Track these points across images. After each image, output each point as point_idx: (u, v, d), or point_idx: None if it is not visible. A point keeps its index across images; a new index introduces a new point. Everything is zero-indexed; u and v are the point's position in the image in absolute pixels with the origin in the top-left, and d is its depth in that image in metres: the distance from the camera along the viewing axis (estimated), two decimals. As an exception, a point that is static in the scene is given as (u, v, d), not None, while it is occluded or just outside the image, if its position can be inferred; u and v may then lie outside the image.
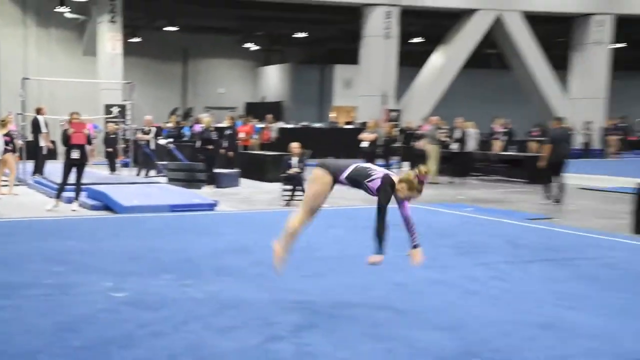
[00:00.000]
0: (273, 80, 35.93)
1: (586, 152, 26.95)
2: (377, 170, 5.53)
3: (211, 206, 11.75)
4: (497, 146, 22.41)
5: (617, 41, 30.12)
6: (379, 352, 4.44)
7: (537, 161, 17.64)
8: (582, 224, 10.65)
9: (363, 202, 13.54)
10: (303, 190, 12.89)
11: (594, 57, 28.69)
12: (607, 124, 28.57)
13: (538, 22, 28.10)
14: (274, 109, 30.15)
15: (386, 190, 5.39)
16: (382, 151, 17.83)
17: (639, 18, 29.29)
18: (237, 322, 5.07)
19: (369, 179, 5.48)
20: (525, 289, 6.19)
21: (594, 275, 6.77)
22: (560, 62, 29.55)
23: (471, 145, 18.84)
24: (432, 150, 17.92)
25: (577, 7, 28.24)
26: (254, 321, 5.09)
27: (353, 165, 5.62)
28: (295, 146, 13.34)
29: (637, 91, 36.06)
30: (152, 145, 17.40)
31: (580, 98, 28.87)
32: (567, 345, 4.58)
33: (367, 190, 5.54)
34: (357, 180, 5.56)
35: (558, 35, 30.68)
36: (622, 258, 7.64)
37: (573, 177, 17.74)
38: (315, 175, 5.72)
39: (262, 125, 24.19)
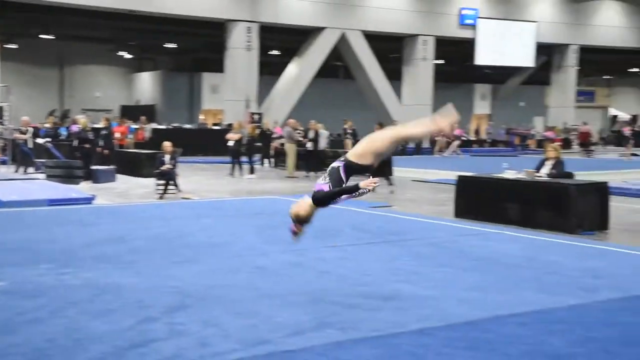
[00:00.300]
0: (146, 86, 34.85)
1: (418, 149, 28.08)
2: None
3: (89, 200, 11.17)
4: (346, 145, 22.93)
5: (438, 58, 31.75)
6: (244, 327, 4.37)
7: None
8: (415, 210, 11.07)
9: (229, 194, 13.41)
10: (175, 185, 12.57)
11: (421, 70, 30.03)
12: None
13: (376, 40, 29.01)
14: (147, 112, 29.26)
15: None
16: (245, 149, 17.72)
17: (451, 40, 30.88)
18: (113, 306, 4.82)
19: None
20: (369, 267, 6.31)
21: (424, 253, 7.02)
22: (394, 74, 30.71)
23: (322, 144, 19.10)
24: (289, 149, 18.03)
25: (405, 29, 29.38)
26: (129, 305, 4.87)
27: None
28: (167, 145, 12.97)
29: (453, 99, 37.96)
30: (30, 144, 16.38)
31: (411, 105, 30.08)
32: (405, 314, 4.70)
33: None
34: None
35: (392, 51, 31.85)
36: (445, 238, 7.97)
37: (408, 171, 18.49)
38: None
39: (137, 126, 23.39)
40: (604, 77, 47.61)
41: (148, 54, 34.80)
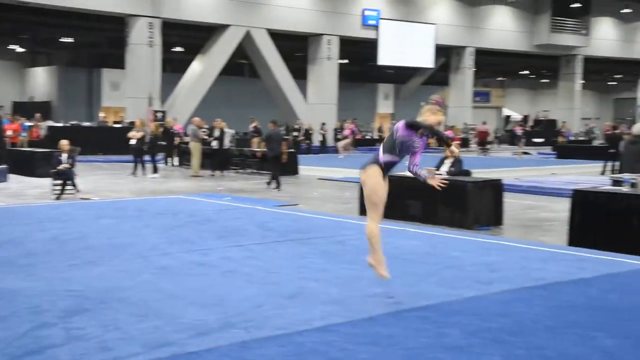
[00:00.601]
0: (41, 81, 33.29)
1: (323, 148, 28.40)
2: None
3: (-22, 202, 10.56)
4: (253, 144, 22.81)
5: (342, 58, 32.26)
6: (147, 330, 4.27)
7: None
8: (321, 208, 11.18)
9: (132, 194, 13.04)
10: (73, 185, 12.09)
11: (326, 70, 30.36)
12: (337, 125, 30.33)
13: (281, 38, 29.08)
14: (42, 108, 27.96)
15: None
16: (148, 148, 17.29)
17: (355, 40, 31.43)
18: (6, 312, 4.58)
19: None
20: (274, 265, 6.32)
21: (329, 251, 7.11)
22: (300, 73, 30.89)
23: (228, 142, 18.94)
24: (194, 148, 17.75)
25: (310, 28, 29.64)
26: (24, 310, 4.64)
27: (380, 148, 5.15)
28: (64, 143, 12.46)
29: (357, 98, 38.90)
30: None
31: (317, 104, 30.39)
32: (310, 311, 4.74)
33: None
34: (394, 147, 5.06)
35: (297, 50, 32.03)
36: (350, 236, 8.09)
37: (314, 170, 18.66)
38: (368, 175, 5.13)
39: (31, 124, 22.30)
40: (498, 78, 49.91)
41: (42, 47, 33.23)
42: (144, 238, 7.70)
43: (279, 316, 4.61)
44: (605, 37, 39.26)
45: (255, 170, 18.42)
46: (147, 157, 17.13)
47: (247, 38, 27.96)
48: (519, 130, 31.31)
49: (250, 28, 27.74)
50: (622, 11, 38.47)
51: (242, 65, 34.76)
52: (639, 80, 42.93)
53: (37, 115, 23.57)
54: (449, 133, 31.71)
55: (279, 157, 14.71)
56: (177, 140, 20.67)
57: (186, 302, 4.95)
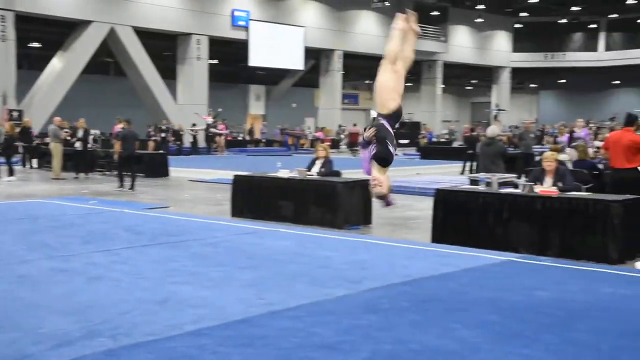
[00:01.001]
0: None
1: (194, 150, 27.90)
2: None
3: None
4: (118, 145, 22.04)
5: (213, 58, 31.93)
6: (3, 343, 4.00)
7: (153, 158, 17.77)
8: (193, 210, 11.00)
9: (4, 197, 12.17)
10: None
11: (196, 70, 29.87)
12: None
13: (149, 37, 28.26)
14: None
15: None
16: (3, 149, 16.17)
17: (225, 41, 31.26)
18: None
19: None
20: (144, 270, 6.14)
21: (201, 253, 7.00)
22: (169, 73, 30.19)
23: (90, 143, 18.15)
24: (55, 149, 16.84)
25: (178, 27, 29.05)
26: None
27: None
28: None
29: (228, 99, 38.70)
30: None
31: (187, 104, 29.82)
32: (181, 316, 4.65)
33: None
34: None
35: (166, 49, 31.29)
36: (222, 237, 8.03)
37: (185, 171, 18.30)
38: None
39: None
40: (366, 81, 51.50)
41: None
42: (-1, 246, 7.20)
43: (148, 322, 4.48)
44: (462, 44, 41.63)
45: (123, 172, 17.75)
46: (1, 159, 16.03)
47: (112, 35, 26.89)
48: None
49: (115, 25, 26.69)
50: (476, 20, 41.00)
51: (108, 63, 33.43)
52: (493, 86, 46.05)
53: None
54: (319, 134, 32.36)
55: (132, 157, 14.46)
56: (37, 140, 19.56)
57: (47, 311, 4.69)
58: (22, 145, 19.14)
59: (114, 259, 6.60)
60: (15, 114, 23.49)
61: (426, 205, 10.39)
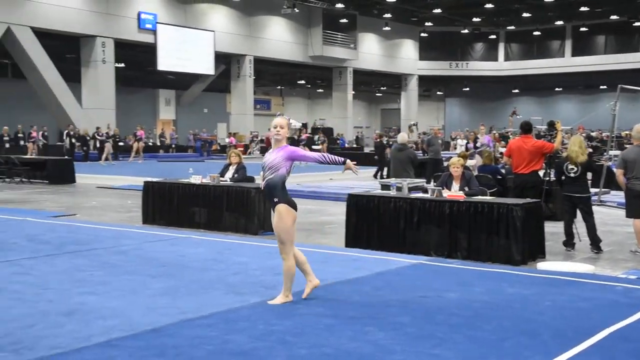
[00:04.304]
0: None
1: (86, 156, 26.70)
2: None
3: None
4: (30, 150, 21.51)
5: (120, 61, 31.07)
6: None
7: (58, 163, 17.09)
8: (101, 218, 10.65)
9: None
10: None
11: (102, 73, 28.91)
12: (116, 132, 29.06)
13: (50, 38, 27.11)
14: None
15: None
16: None
17: (133, 44, 30.61)
18: None
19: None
20: (49, 281, 5.88)
21: (111, 262, 6.79)
22: (73, 76, 29.09)
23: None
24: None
25: (81, 28, 28.05)
26: None
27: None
28: None
29: (137, 103, 37.83)
30: None
31: (93, 108, 28.83)
32: (90, 327, 4.49)
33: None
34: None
35: (69, 52, 30.15)
36: (133, 245, 7.83)
37: (92, 177, 17.71)
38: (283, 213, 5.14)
39: None
40: (277, 87, 51.59)
41: None
42: None
43: (54, 335, 4.30)
44: (370, 51, 42.46)
45: (25, 179, 16.98)
46: None
47: (8, 35, 25.59)
48: (304, 137, 32.03)
49: (11, 25, 25.42)
50: (383, 29, 41.97)
51: (5, 65, 31.85)
52: (402, 93, 47.23)
53: None
54: (231, 140, 32.11)
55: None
56: None
57: (-58, 328, 4.41)
58: None
59: (15, 270, 6.29)
60: None
61: (339, 210, 10.52)
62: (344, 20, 38.86)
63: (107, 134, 25.87)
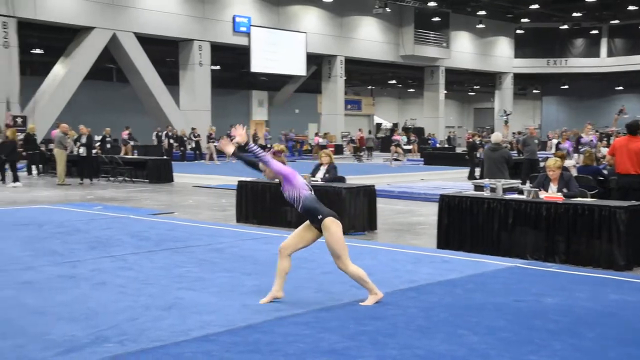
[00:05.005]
0: None
1: (197, 155, 27.91)
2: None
3: None
4: (124, 150, 22.27)
5: (215, 64, 31.99)
6: (9, 349, 4.00)
7: (157, 163, 17.76)
8: (198, 216, 11.00)
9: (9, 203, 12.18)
10: None
11: (198, 75, 29.93)
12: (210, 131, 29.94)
13: (151, 43, 28.32)
14: None
15: None
16: (6, 155, 16.19)
17: (227, 47, 31.38)
18: None
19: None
20: (150, 276, 6.14)
21: (207, 259, 7.00)
22: (172, 78, 30.25)
23: (93, 149, 18.20)
24: (59, 155, 16.86)
25: (180, 33, 29.11)
26: None
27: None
28: None
29: (231, 105, 38.78)
30: None
31: (190, 110, 29.88)
32: (187, 322, 4.65)
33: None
34: None
35: (168, 55, 31.35)
36: (228, 243, 8.04)
37: (189, 177, 18.33)
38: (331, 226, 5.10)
39: None
40: (368, 87, 51.55)
41: None
42: (4, 251, 7.22)
43: (155, 328, 4.48)
44: (464, 50, 41.68)
45: (127, 178, 17.81)
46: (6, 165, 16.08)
47: (114, 41, 26.95)
48: (397, 138, 31.51)
49: (117, 31, 26.76)
50: (477, 26, 41.07)
51: (111, 69, 33.51)
52: (495, 92, 46.07)
53: None
54: (316, 140, 32.40)
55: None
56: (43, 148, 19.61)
57: (53, 317, 4.70)
58: (27, 151, 19.14)
59: (120, 265, 6.61)
60: (19, 120, 23.54)
61: (430, 211, 10.40)
62: (437, 19, 38.34)
63: (211, 135, 26.71)
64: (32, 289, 5.55)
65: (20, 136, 18.74)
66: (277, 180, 5.22)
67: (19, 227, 9.05)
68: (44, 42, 29.56)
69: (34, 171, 19.72)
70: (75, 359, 3.84)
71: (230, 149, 5.20)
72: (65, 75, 26.24)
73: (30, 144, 19.35)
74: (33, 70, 30.63)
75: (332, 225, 5.05)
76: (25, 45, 25.94)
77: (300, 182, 5.15)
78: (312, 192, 5.21)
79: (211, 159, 25.47)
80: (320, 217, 5.07)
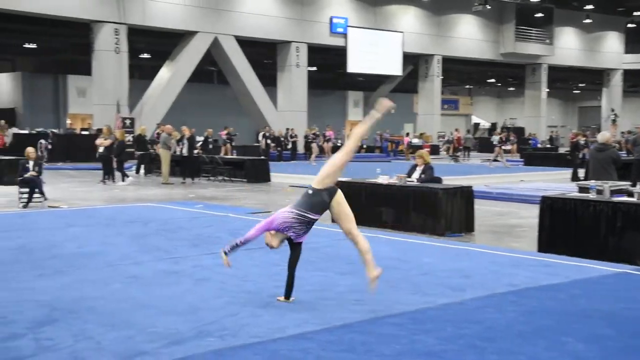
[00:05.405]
0: (4, 88, 32.72)
1: (293, 155, 28.35)
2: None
3: (-59, 210, 10.31)
4: (224, 150, 22.98)
5: (312, 65, 32.35)
6: (118, 339, 4.21)
7: (255, 163, 18.15)
8: (292, 215, 11.14)
9: (101, 202, 12.86)
10: (41, 193, 11.88)
11: (295, 77, 30.39)
12: (307, 132, 30.31)
13: (250, 45, 29.04)
14: (6, 116, 27.48)
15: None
16: (116, 155, 17.08)
17: (324, 48, 31.67)
18: (-27, 324, 4.49)
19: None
20: (248, 273, 6.29)
21: (303, 258, 7.02)
22: (270, 80, 30.88)
23: (195, 149, 18.84)
24: (163, 155, 17.59)
25: (278, 35, 29.64)
26: (-9, 322, 4.55)
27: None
28: (31, 151, 12.24)
29: (327, 105, 39.08)
30: None
31: (287, 110, 30.39)
32: (284, 319, 4.72)
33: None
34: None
35: (266, 57, 32.03)
36: (324, 243, 8.10)
37: (286, 177, 18.64)
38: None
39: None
40: (466, 86, 50.53)
41: (5, 54, 32.66)
42: (113, 247, 7.61)
43: (253, 324, 4.58)
44: (568, 46, 40.05)
45: (227, 178, 18.32)
46: (115, 165, 16.94)
47: (215, 45, 27.85)
48: (502, 137, 30.45)
49: (218, 35, 27.64)
50: (584, 21, 39.32)
51: (212, 71, 34.63)
52: (603, 89, 43.93)
53: (2, 122, 23.16)
54: (406, 140, 32.09)
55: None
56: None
57: (158, 311, 4.90)
58: (137, 152, 20.07)
59: (220, 262, 6.77)
60: (127, 121, 24.78)
61: (531, 213, 10.06)
62: (540, 15, 37.05)
63: (315, 135, 27.06)
64: (138, 283, 5.82)
65: (129, 137, 19.70)
66: (286, 235, 5.16)
67: (127, 224, 9.51)
68: (151, 47, 30.95)
69: (142, 171, 20.66)
70: (180, 352, 3.99)
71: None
72: (170, 78, 27.38)
73: (140, 145, 20.28)
74: (141, 74, 32.16)
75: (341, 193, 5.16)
76: (134, 51, 27.28)
77: (278, 216, 5.08)
78: (291, 208, 5.09)
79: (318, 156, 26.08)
80: (325, 191, 5.08)
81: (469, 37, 36.19)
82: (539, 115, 40.00)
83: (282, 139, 28.27)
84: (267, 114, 29.59)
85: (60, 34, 27.85)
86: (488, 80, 47.49)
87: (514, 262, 6.88)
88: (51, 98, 32.23)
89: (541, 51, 37.91)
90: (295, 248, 5.16)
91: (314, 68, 34.81)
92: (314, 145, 26.51)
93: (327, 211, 5.27)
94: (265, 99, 29.79)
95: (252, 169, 18.34)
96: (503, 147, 26.48)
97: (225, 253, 5.21)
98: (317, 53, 31.95)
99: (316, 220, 5.12)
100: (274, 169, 19.24)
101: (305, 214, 5.00)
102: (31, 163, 11.96)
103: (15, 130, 24.34)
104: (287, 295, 5.13)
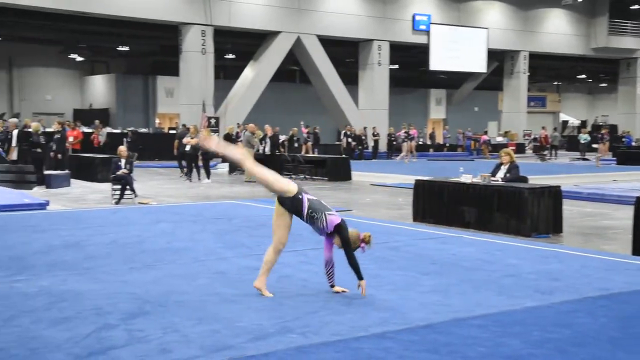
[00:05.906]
0: (99, 89, 34.27)
1: (375, 154, 28.31)
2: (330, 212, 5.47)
3: (42, 205, 10.92)
4: (305, 149, 23.22)
5: (394, 63, 32.14)
6: (205, 333, 4.33)
7: (336, 162, 18.21)
8: (374, 214, 11.13)
9: (187, 199, 13.27)
10: (132, 190, 12.38)
11: (377, 75, 30.28)
12: (390, 131, 30.16)
13: (332, 44, 29.17)
14: (101, 116, 28.81)
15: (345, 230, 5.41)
16: (201, 153, 17.57)
17: (406, 45, 31.36)
18: (69, 314, 4.72)
19: (328, 212, 5.47)
20: (329, 271, 6.31)
21: (383, 256, 7.06)
22: (351, 78, 30.92)
23: (277, 148, 19.11)
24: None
25: (360, 33, 29.64)
26: (87, 312, 4.77)
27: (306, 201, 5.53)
28: (123, 149, 12.79)
29: (408, 103, 38.70)
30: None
31: (368, 109, 30.34)
32: (366, 318, 4.72)
33: (322, 222, 5.46)
34: (315, 211, 5.47)
35: (348, 56, 32.08)
36: (405, 242, 8.04)
37: (367, 175, 18.64)
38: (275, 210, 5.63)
39: (91, 131, 23.05)
40: (554, 83, 48.85)
41: (100, 56, 34.22)
42: (200, 243, 7.83)
43: (335, 322, 4.60)
44: (668, 39, 38.04)
45: (308, 176, 18.49)
46: (200, 163, 17.43)
47: (298, 44, 28.15)
48: (605, 135, 28.91)
49: (301, 34, 27.93)
50: (685, 12, 37.25)
51: (294, 71, 35.03)
52: None
53: (97, 122, 24.26)
54: (483, 138, 31.31)
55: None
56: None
57: (243, 306, 5.00)
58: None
59: (301, 259, 6.88)
60: (212, 121, 25.44)
61: (624, 215, 9.64)
62: (636, 7, 35.36)
63: (407, 134, 26.97)
64: (224, 279, 5.96)
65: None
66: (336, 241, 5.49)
67: (212, 220, 9.76)
68: (236, 48, 31.64)
69: (226, 169, 21.14)
70: (264, 347, 4.06)
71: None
72: (254, 78, 27.91)
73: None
74: (226, 74, 32.94)
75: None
76: (219, 51, 27.98)
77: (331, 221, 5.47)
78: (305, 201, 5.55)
79: (408, 155, 25.99)
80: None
81: (558, 31, 35.00)
82: (635, 112, 38.18)
83: (364, 137, 28.24)
84: (348, 113, 29.65)
85: (151, 36, 28.94)
86: (578, 77, 45.76)
87: (607, 265, 6.61)
88: (141, 98, 33.51)
89: (637, 45, 36.18)
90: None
91: (396, 66, 34.57)
92: (404, 144, 26.44)
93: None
94: (346, 97, 29.86)
95: (333, 167, 18.43)
96: (593, 145, 25.42)
97: (332, 286, 5.47)
98: (398, 51, 31.74)
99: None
100: (355, 167, 19.26)
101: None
102: (123, 161, 12.49)
103: (109, 129, 25.44)
104: (359, 277, 5.32)
